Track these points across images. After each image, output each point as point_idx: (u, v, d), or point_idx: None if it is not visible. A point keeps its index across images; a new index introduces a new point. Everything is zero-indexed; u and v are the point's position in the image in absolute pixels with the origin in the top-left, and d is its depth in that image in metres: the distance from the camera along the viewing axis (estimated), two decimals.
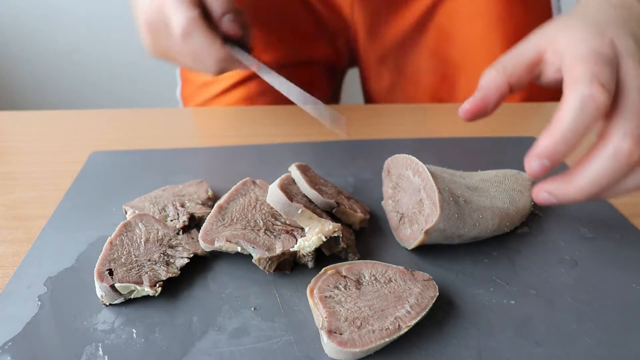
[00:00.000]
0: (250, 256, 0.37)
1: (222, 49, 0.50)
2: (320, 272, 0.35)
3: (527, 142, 0.51)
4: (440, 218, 0.36)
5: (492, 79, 0.39)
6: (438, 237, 0.38)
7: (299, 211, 0.37)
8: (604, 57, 0.34)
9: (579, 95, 0.33)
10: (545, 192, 0.36)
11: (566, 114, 0.33)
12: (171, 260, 0.37)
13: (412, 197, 0.39)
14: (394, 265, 0.36)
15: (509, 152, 0.56)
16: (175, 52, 0.52)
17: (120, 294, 0.34)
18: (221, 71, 0.53)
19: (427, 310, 0.33)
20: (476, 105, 0.39)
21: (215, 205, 0.40)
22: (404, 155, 0.41)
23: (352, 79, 0.92)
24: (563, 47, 0.36)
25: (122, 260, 0.36)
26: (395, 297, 0.33)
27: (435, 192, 0.37)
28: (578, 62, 0.34)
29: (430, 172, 0.38)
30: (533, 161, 0.34)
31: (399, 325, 0.31)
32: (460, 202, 0.38)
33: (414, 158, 0.40)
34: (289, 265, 0.37)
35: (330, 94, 0.87)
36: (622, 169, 0.33)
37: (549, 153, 0.34)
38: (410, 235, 0.39)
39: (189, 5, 0.49)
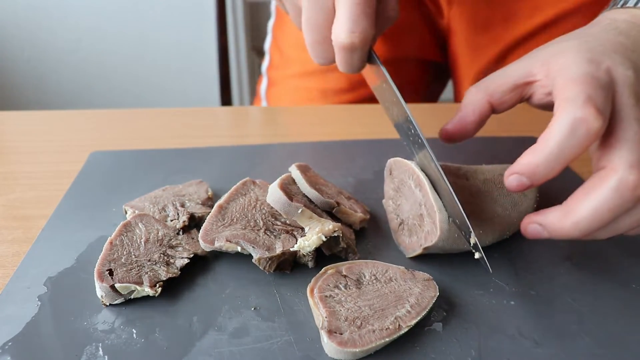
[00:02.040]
0: (250, 256, 0.37)
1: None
2: (320, 272, 0.35)
3: (527, 142, 0.51)
4: (440, 239, 0.36)
5: (471, 96, 0.36)
6: (436, 251, 0.38)
7: (299, 211, 0.37)
8: (599, 81, 0.31)
9: (570, 116, 0.30)
10: (536, 224, 0.33)
11: (554, 135, 0.30)
12: (171, 260, 0.37)
13: (413, 208, 0.39)
14: (395, 265, 0.36)
15: (509, 152, 0.56)
16: (310, 19, 0.38)
17: (121, 294, 0.34)
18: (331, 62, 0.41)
19: (427, 310, 0.33)
20: (455, 125, 0.36)
21: (215, 205, 0.40)
22: (407, 161, 0.39)
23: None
24: (555, 70, 0.33)
25: (122, 260, 0.36)
26: (396, 296, 0.33)
27: (436, 213, 0.35)
28: (571, 84, 0.31)
29: (431, 183, 0.36)
30: (512, 176, 0.32)
31: (399, 325, 0.31)
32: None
33: (416, 169, 0.38)
34: (289, 265, 0.37)
35: (426, 93, 0.84)
36: (626, 203, 0.30)
37: (529, 172, 0.32)
38: (409, 245, 0.39)
39: (370, 15, 0.35)
